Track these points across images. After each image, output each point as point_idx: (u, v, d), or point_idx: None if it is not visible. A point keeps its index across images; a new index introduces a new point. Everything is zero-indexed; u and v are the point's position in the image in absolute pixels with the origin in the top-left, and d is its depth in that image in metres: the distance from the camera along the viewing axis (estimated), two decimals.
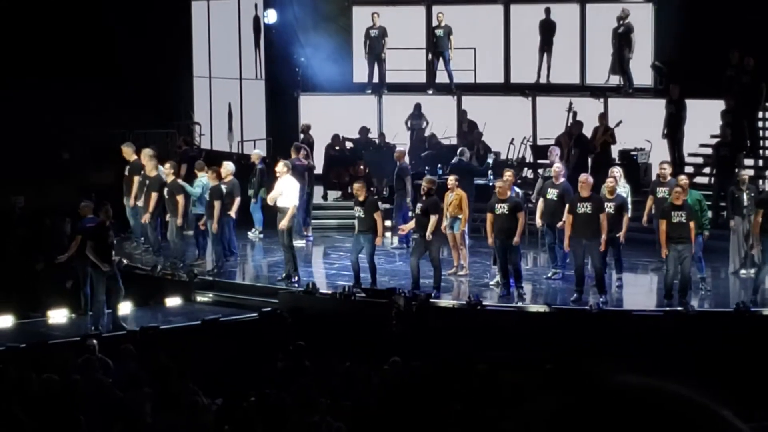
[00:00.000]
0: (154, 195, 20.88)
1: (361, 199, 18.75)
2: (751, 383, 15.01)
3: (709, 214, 19.09)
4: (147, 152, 21.71)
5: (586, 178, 18.09)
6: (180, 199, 20.34)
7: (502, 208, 18.19)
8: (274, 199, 19.63)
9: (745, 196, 19.19)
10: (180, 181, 20.88)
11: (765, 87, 22.88)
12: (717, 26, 23.47)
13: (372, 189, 22.46)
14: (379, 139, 26.22)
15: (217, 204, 20.06)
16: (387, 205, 22.88)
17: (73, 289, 19.06)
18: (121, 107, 29.09)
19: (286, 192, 19.54)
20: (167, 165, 21.01)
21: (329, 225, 24.24)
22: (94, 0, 30.55)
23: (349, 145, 26.02)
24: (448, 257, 20.01)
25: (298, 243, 20.62)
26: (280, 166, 20.06)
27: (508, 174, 19.43)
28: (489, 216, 18.44)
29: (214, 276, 20.23)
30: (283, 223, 19.33)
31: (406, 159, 23.59)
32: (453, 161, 22.55)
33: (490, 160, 24.00)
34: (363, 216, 18.60)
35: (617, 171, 19.35)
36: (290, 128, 27.33)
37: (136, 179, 21.59)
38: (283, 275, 19.62)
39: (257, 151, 24.18)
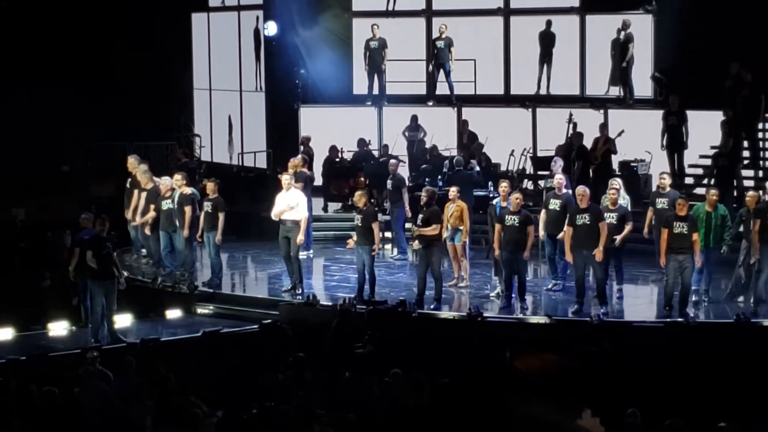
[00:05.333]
0: (151, 207, 20.85)
1: (360, 206, 18.80)
2: (750, 394, 14.99)
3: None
4: (142, 168, 21.61)
5: (583, 190, 18.05)
6: (187, 210, 20.27)
7: (512, 220, 18.11)
8: (282, 213, 19.59)
9: None
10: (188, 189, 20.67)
11: (765, 99, 22.86)
12: (717, 37, 23.49)
13: (372, 201, 22.46)
14: (382, 150, 26.20)
15: (221, 216, 20.06)
16: (387, 217, 22.91)
17: (77, 302, 19.05)
18: (121, 119, 29.13)
19: (297, 206, 19.56)
20: (177, 176, 20.86)
21: (329, 237, 24.25)
22: (94, 12, 30.59)
23: (348, 156, 26.01)
24: (449, 269, 19.99)
25: (302, 255, 20.57)
26: (288, 179, 20.01)
27: (503, 185, 19.20)
28: (497, 227, 18.38)
29: (213, 288, 20.23)
30: (300, 238, 19.44)
31: (404, 170, 23.54)
32: (450, 171, 22.53)
33: (477, 168, 24.00)
34: (360, 225, 18.64)
35: (618, 182, 19.31)
36: (290, 140, 27.36)
37: (136, 192, 21.51)
38: (290, 286, 19.64)
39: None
